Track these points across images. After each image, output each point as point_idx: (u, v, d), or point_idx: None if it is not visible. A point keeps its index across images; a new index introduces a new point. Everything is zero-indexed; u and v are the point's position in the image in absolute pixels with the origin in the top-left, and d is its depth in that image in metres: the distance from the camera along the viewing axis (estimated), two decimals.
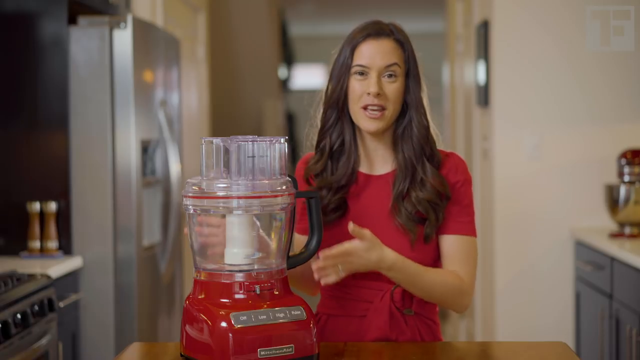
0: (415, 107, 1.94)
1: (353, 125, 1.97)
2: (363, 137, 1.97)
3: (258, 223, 1.73)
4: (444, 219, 1.93)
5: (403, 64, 1.93)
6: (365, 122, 1.92)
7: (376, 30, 1.93)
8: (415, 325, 1.95)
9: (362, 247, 1.80)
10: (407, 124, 1.95)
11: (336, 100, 1.94)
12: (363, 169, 1.99)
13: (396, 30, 1.94)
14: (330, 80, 1.96)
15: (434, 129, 1.99)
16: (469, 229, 1.94)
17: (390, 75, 1.91)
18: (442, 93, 6.26)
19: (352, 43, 1.92)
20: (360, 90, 1.91)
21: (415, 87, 1.94)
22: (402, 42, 1.94)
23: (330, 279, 1.80)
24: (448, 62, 5.87)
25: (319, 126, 2.00)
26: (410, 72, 1.94)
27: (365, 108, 1.91)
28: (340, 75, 1.93)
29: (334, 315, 1.97)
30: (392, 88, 1.91)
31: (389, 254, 1.83)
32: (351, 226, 1.80)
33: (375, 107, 1.90)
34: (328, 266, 1.79)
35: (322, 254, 1.78)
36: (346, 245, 1.80)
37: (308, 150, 2.06)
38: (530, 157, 4.02)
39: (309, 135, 2.04)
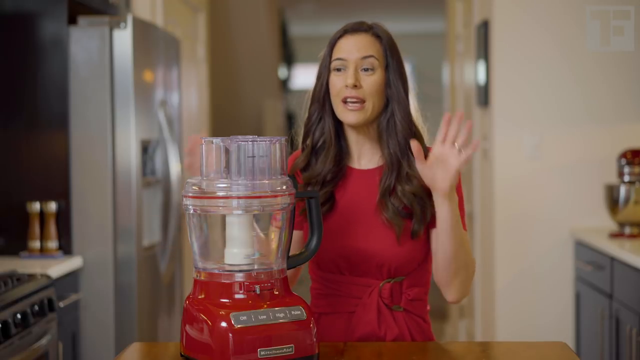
0: (397, 101, 1.95)
1: (335, 122, 1.99)
2: (348, 131, 1.99)
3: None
4: (432, 215, 1.92)
5: (381, 56, 1.95)
6: (345, 114, 1.94)
7: (354, 27, 1.97)
8: (404, 322, 1.95)
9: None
10: (390, 118, 1.96)
11: (318, 97, 1.98)
12: (352, 163, 2.00)
13: (376, 26, 1.98)
14: (315, 80, 2.00)
15: (420, 124, 2.00)
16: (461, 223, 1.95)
17: (367, 69, 1.93)
18: (442, 93, 6.26)
19: (332, 41, 1.97)
20: (339, 84, 1.93)
21: (397, 81, 1.96)
22: (380, 35, 1.96)
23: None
24: (448, 62, 5.87)
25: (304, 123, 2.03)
26: (390, 66, 1.96)
27: (344, 101, 1.93)
28: (321, 73, 1.97)
29: (324, 314, 1.98)
30: (370, 81, 1.93)
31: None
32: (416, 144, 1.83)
33: (353, 100, 1.92)
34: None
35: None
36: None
37: (297, 147, 2.08)
38: (530, 157, 4.02)
39: (298, 133, 2.06)
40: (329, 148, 1.98)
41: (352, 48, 1.94)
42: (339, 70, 1.94)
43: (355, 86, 1.91)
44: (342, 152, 2.00)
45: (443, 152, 1.81)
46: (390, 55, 1.96)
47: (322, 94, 1.97)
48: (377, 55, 1.94)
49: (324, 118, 1.98)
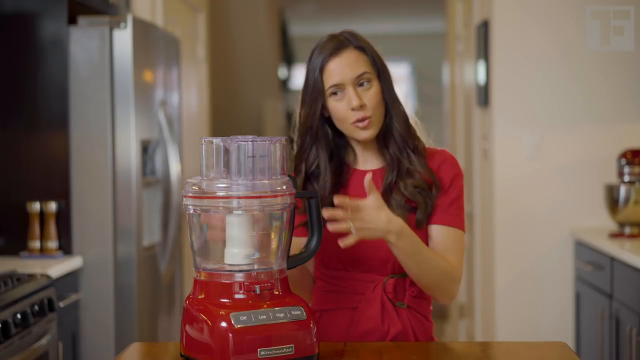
0: (393, 103, 1.98)
1: (327, 149, 1.99)
2: (354, 142, 2.01)
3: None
4: (433, 209, 1.94)
5: (372, 68, 1.95)
6: (358, 133, 1.94)
7: (335, 46, 1.94)
8: (407, 319, 1.96)
9: (373, 204, 1.79)
10: (389, 121, 1.98)
11: (310, 126, 1.97)
12: (357, 165, 2.02)
13: (352, 37, 1.96)
14: (302, 106, 1.98)
15: (413, 118, 2.02)
16: (458, 222, 1.96)
17: (362, 84, 1.93)
18: (442, 93, 6.26)
19: (318, 67, 1.94)
20: (343, 109, 1.93)
21: (388, 85, 1.98)
22: (363, 47, 1.95)
23: (348, 240, 1.77)
24: (448, 62, 5.87)
25: (295, 150, 2.02)
26: (380, 73, 1.97)
27: (354, 123, 1.93)
28: (312, 101, 1.95)
29: (327, 310, 1.99)
30: (370, 95, 1.93)
31: (397, 218, 1.83)
32: (368, 177, 1.79)
33: (362, 119, 1.92)
34: (339, 217, 1.77)
35: (336, 197, 1.77)
36: (358, 201, 1.79)
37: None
38: (530, 157, 4.02)
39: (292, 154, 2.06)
40: (324, 178, 1.98)
41: (344, 69, 1.92)
42: (335, 94, 1.93)
43: (361, 106, 1.91)
44: (341, 165, 2.01)
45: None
46: (378, 63, 1.97)
47: (314, 122, 1.96)
48: (369, 69, 1.94)
49: (317, 147, 1.98)
